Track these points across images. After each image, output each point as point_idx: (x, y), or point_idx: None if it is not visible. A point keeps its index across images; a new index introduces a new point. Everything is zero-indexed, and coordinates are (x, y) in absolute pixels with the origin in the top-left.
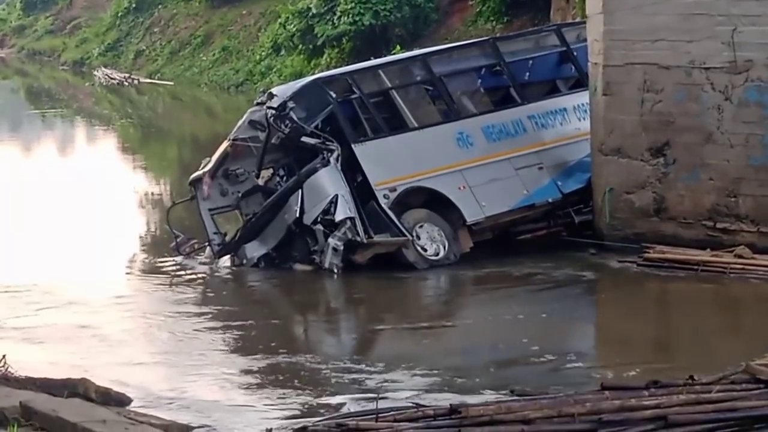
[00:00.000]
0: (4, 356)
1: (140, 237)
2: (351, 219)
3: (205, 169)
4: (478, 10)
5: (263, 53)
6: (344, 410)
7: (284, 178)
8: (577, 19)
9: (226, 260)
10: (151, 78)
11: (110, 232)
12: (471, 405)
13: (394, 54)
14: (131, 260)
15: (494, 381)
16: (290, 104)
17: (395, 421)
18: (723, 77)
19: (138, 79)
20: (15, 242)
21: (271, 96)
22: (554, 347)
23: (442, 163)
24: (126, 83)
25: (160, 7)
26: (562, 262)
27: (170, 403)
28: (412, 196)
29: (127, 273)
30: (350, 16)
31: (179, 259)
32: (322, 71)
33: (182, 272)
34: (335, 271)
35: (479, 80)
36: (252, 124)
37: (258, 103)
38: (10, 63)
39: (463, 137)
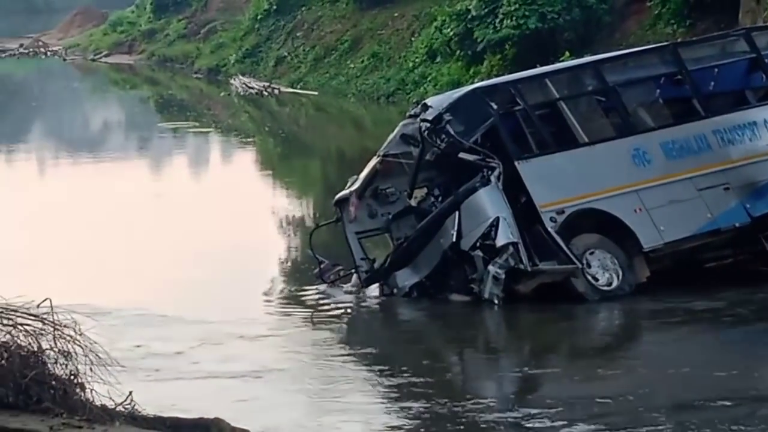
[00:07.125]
0: (130, 393)
1: (280, 262)
2: (514, 244)
3: (352, 188)
4: (656, 12)
5: (417, 60)
6: None
7: (439, 199)
8: None
9: (374, 289)
10: (293, 87)
11: (247, 257)
12: None
13: (562, 61)
14: (270, 289)
15: (679, 430)
16: (447, 116)
17: None
18: None
19: (279, 89)
20: (149, 267)
21: (426, 107)
22: (748, 390)
23: (615, 182)
24: (265, 93)
25: (303, 9)
26: (753, 296)
27: None
28: (582, 219)
29: (266, 302)
30: (514, 18)
31: (322, 287)
32: (482, 80)
33: (326, 302)
34: (496, 302)
35: (658, 90)
36: (404, 138)
37: (411, 116)
38: (139, 71)
39: (640, 154)
